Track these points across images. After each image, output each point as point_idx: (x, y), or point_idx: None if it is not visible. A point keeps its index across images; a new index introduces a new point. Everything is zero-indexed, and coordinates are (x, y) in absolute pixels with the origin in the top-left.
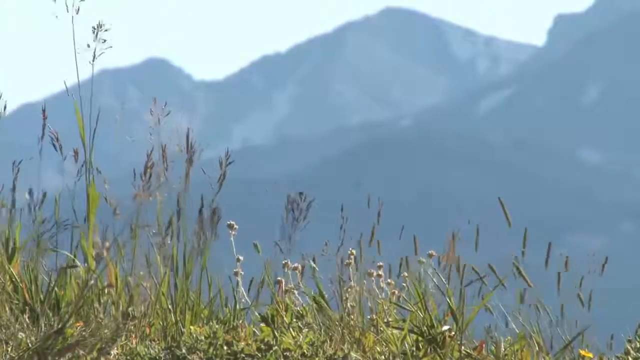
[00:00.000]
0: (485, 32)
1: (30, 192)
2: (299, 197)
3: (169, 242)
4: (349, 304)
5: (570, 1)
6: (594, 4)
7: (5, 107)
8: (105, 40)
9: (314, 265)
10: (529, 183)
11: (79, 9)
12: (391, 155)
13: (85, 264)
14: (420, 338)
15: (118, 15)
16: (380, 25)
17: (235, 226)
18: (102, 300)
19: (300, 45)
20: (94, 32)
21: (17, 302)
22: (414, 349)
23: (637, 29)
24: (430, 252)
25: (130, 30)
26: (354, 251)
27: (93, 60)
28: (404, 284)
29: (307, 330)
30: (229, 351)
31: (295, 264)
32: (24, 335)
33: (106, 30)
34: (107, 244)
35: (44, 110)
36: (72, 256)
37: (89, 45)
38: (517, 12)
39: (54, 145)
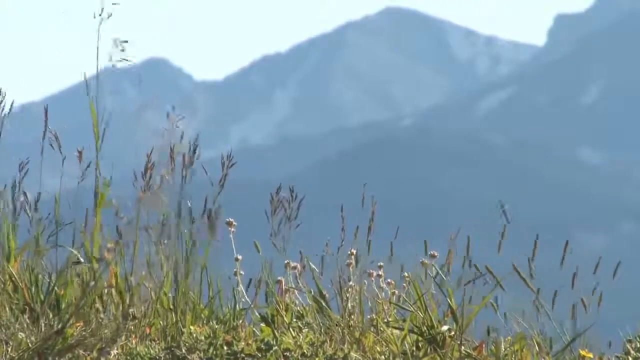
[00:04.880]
0: (486, 32)
1: (25, 193)
2: (290, 196)
3: (169, 242)
4: (349, 304)
5: (570, 1)
6: (594, 4)
7: (11, 107)
8: (123, 50)
9: (313, 266)
10: (529, 183)
11: (111, 15)
12: (391, 155)
13: (89, 263)
14: (420, 338)
15: (117, 15)
16: (380, 25)
17: (234, 223)
18: (103, 300)
19: (300, 45)
20: (115, 44)
21: (17, 302)
22: (414, 349)
23: (638, 28)
24: (432, 252)
25: (130, 30)
26: (354, 251)
27: (111, 63)
28: (404, 284)
29: (307, 330)
30: (229, 351)
31: (296, 264)
32: (24, 335)
33: (126, 42)
34: (112, 245)
35: (46, 110)
36: (76, 252)
37: (111, 58)
38: (517, 12)
39: (52, 146)
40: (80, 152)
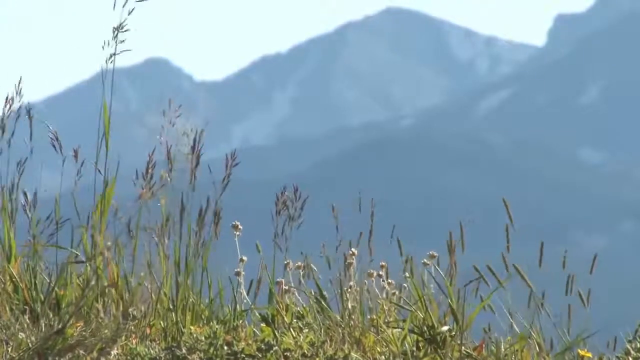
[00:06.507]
0: (486, 32)
1: (25, 193)
2: (294, 196)
3: (170, 242)
4: (350, 304)
5: (570, 1)
6: (594, 4)
7: (10, 108)
8: (123, 41)
9: (313, 266)
10: (529, 183)
11: (132, 10)
12: (391, 155)
13: (91, 263)
14: (420, 338)
15: (117, 15)
16: (380, 25)
17: (240, 226)
18: (103, 300)
19: (300, 45)
20: (113, 33)
21: (17, 302)
22: (414, 349)
23: (637, 29)
24: (431, 252)
25: (129, 30)
26: (355, 251)
27: (110, 59)
28: (404, 285)
29: (307, 330)
30: (229, 351)
31: (299, 263)
32: (24, 335)
33: (126, 31)
34: (109, 244)
35: (28, 111)
36: (76, 252)
37: (107, 44)
38: (517, 12)
39: (53, 145)
40: (75, 152)
